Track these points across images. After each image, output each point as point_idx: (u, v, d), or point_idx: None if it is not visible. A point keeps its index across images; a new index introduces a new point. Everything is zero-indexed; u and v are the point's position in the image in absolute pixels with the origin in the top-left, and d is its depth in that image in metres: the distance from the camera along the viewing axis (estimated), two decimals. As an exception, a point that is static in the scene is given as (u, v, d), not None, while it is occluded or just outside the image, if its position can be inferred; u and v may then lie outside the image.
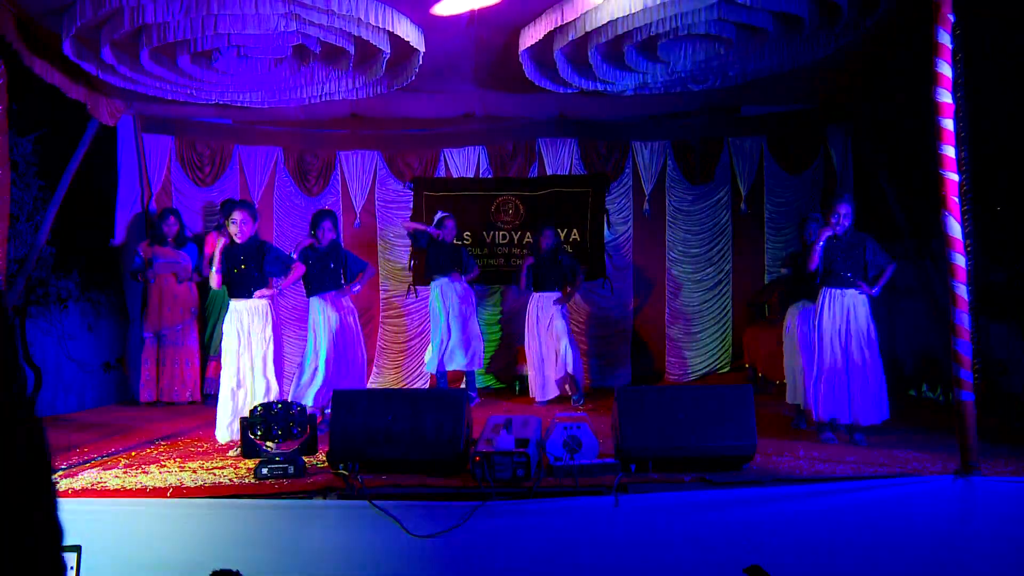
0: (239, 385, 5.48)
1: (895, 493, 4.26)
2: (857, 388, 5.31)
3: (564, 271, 7.56)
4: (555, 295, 7.50)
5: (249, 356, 5.49)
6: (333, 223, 6.47)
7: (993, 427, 5.50)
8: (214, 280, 5.58)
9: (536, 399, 7.48)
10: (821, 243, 5.45)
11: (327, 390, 6.06)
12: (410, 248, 8.60)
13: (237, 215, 5.59)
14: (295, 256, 6.12)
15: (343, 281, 6.39)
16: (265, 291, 5.62)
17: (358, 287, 6.49)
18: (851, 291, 5.42)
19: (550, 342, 7.42)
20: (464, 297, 7.49)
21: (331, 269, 6.32)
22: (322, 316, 6.26)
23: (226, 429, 5.47)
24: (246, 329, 5.52)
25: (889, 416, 5.39)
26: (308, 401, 6.06)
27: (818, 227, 6.27)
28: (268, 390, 5.46)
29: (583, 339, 8.59)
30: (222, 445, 5.48)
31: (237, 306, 5.59)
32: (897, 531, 4.19)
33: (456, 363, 7.38)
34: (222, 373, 5.58)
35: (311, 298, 6.35)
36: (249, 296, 5.57)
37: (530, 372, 7.61)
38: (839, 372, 5.34)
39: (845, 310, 5.39)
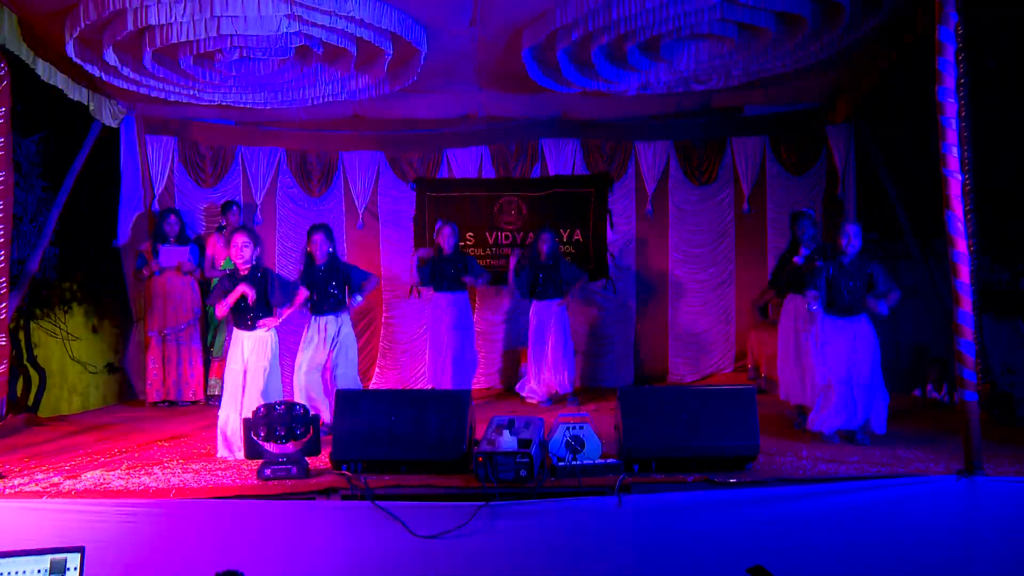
0: (237, 411, 5.28)
1: (898, 493, 4.26)
2: (861, 399, 5.31)
3: (563, 279, 7.42)
4: (555, 302, 7.39)
5: (255, 385, 5.30)
6: (326, 236, 6.18)
7: (997, 427, 5.50)
8: (219, 311, 5.40)
9: (527, 398, 7.51)
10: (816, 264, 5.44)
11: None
12: (413, 248, 8.60)
13: (238, 239, 5.40)
14: (298, 282, 5.97)
15: (345, 299, 6.21)
16: (269, 321, 5.42)
17: (360, 299, 6.24)
18: (857, 319, 5.40)
19: (549, 350, 7.36)
20: (462, 315, 7.40)
21: (331, 291, 6.12)
22: (319, 336, 6.12)
23: (223, 447, 5.32)
24: (249, 358, 5.34)
25: (885, 432, 5.37)
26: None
27: (811, 224, 6.28)
28: None
29: (585, 340, 8.58)
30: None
31: (240, 336, 5.42)
32: (901, 531, 4.19)
33: (446, 381, 7.28)
34: (223, 398, 5.41)
35: (312, 316, 6.18)
36: (252, 328, 5.40)
37: (529, 374, 7.57)
38: (847, 388, 5.33)
39: (850, 337, 5.37)
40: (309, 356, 6.14)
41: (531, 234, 8.03)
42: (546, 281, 7.39)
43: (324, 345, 6.16)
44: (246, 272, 5.43)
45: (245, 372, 5.35)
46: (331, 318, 6.15)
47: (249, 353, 5.38)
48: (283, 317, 5.59)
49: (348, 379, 6.15)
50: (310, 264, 6.22)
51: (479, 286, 7.68)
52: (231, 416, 5.29)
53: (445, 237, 7.31)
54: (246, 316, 5.40)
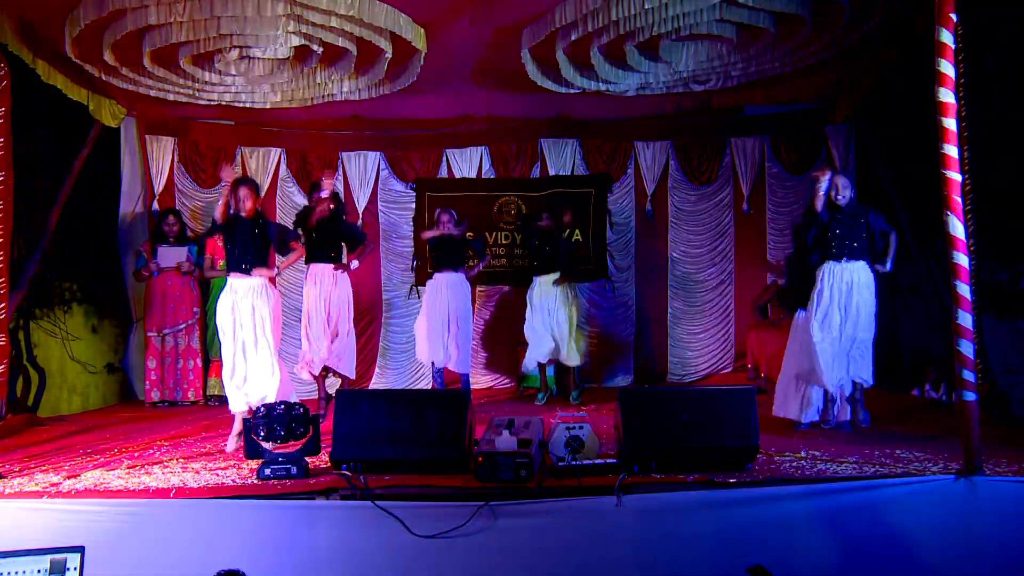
0: (238, 358, 5.49)
1: (897, 493, 4.25)
2: (853, 355, 5.37)
3: (560, 255, 7.60)
4: (553, 276, 7.52)
5: (251, 330, 5.47)
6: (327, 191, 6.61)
7: (997, 427, 5.49)
8: (218, 211, 5.51)
9: (529, 365, 7.76)
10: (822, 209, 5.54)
11: (329, 355, 6.51)
12: (412, 248, 8.61)
13: (241, 191, 5.57)
14: (297, 232, 6.28)
15: (342, 255, 6.69)
16: (263, 271, 5.60)
17: (356, 263, 6.77)
18: (854, 263, 5.43)
19: (551, 321, 7.48)
20: (464, 295, 7.51)
21: (329, 239, 6.57)
22: (317, 288, 6.53)
23: (240, 396, 5.50)
24: (240, 306, 5.49)
25: (874, 382, 5.41)
26: (316, 366, 6.54)
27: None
28: (272, 371, 5.47)
29: (585, 340, 8.57)
30: (232, 422, 5.57)
31: (233, 284, 5.55)
32: (899, 531, 4.18)
33: (448, 362, 7.44)
34: (223, 348, 5.61)
35: (308, 265, 6.65)
36: (247, 273, 5.54)
37: (528, 345, 7.67)
38: (838, 347, 5.38)
39: (847, 283, 5.41)
40: (309, 346, 6.59)
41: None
42: (547, 257, 7.59)
43: (321, 312, 6.51)
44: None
45: (233, 318, 5.50)
46: (327, 268, 6.59)
47: (243, 299, 5.49)
48: (280, 270, 6.05)
49: (343, 323, 6.66)
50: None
51: (482, 265, 7.87)
52: (233, 363, 5.51)
53: (443, 223, 7.48)
54: (238, 259, 5.54)
